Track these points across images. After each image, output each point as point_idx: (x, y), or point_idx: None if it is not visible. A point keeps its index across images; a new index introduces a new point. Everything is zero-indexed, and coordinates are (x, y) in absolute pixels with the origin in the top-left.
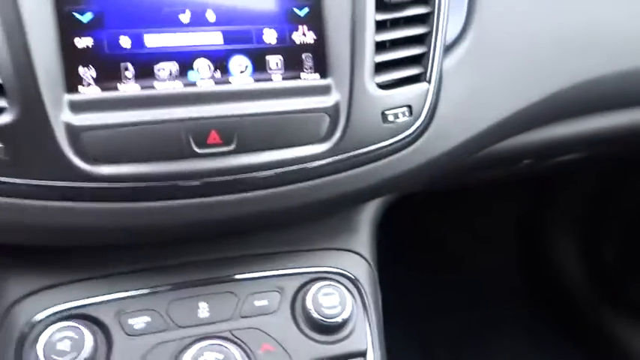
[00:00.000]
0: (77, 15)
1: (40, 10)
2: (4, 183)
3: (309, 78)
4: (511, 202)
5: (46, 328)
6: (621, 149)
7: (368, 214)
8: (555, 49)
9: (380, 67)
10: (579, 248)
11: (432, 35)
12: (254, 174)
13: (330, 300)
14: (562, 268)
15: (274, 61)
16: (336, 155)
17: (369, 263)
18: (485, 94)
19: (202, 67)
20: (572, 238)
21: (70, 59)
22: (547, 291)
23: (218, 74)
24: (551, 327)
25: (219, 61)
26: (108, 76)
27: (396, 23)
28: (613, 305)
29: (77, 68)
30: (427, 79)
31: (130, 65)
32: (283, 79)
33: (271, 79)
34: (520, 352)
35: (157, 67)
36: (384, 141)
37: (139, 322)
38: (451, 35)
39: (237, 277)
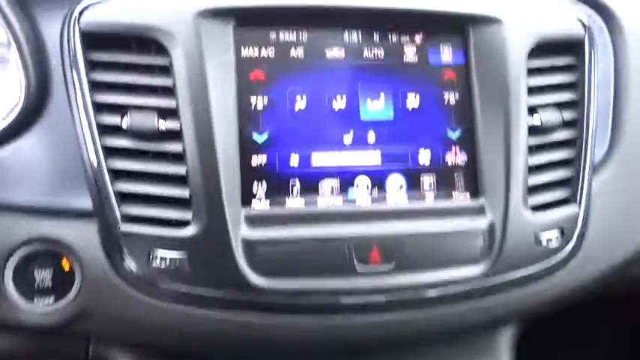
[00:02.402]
0: (255, 135)
1: (227, 132)
2: (183, 292)
3: (460, 197)
4: None
5: None
6: None
7: (508, 334)
8: None
9: (531, 190)
10: None
11: (580, 158)
12: (413, 293)
13: None
14: None
15: (428, 180)
16: (491, 276)
17: None
18: (634, 215)
19: (362, 184)
20: None
21: (247, 176)
22: None
23: (375, 192)
24: None
25: (378, 179)
26: (277, 192)
27: (541, 147)
28: None
29: (252, 184)
30: (577, 201)
31: (297, 181)
32: (435, 197)
33: (424, 198)
34: None
35: (321, 183)
36: (537, 263)
37: None
38: (598, 156)
39: None
